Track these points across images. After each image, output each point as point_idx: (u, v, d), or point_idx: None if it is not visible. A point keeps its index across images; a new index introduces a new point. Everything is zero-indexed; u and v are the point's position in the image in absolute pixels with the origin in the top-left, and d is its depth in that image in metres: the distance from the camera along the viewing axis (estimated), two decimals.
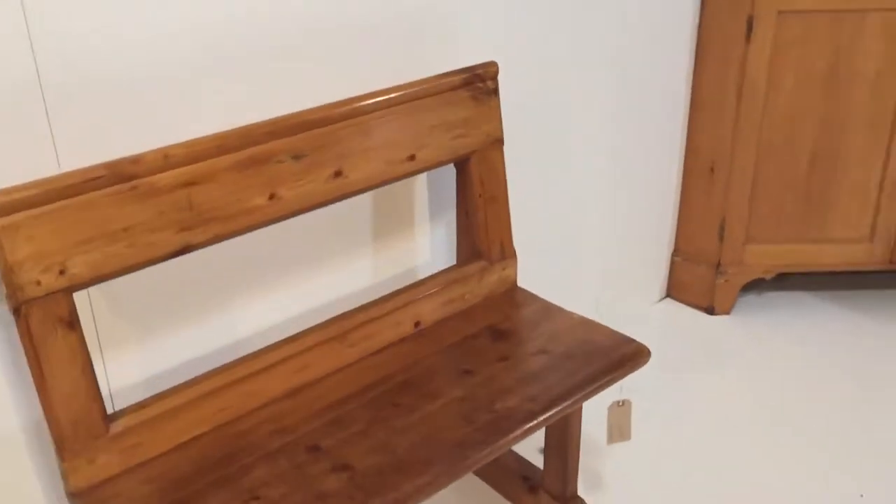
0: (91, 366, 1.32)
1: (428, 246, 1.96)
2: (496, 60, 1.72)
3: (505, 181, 1.77)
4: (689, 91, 2.50)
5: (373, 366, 1.62)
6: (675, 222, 2.68)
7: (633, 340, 1.66)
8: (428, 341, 1.68)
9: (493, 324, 1.73)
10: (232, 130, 1.40)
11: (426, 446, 1.41)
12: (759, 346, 2.52)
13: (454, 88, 1.65)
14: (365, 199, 1.79)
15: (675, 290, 2.74)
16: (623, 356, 1.61)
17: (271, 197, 1.45)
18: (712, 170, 2.53)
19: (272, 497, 1.32)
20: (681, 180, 2.62)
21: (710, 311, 2.67)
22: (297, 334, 1.57)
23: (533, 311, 1.77)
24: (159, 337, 1.58)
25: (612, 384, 1.57)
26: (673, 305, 2.72)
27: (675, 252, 2.71)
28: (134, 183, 1.31)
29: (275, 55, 1.54)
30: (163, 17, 1.40)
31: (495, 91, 1.71)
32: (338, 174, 1.53)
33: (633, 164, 2.44)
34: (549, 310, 1.78)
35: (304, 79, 1.60)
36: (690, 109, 2.52)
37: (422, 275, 1.97)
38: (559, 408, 1.49)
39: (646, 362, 1.62)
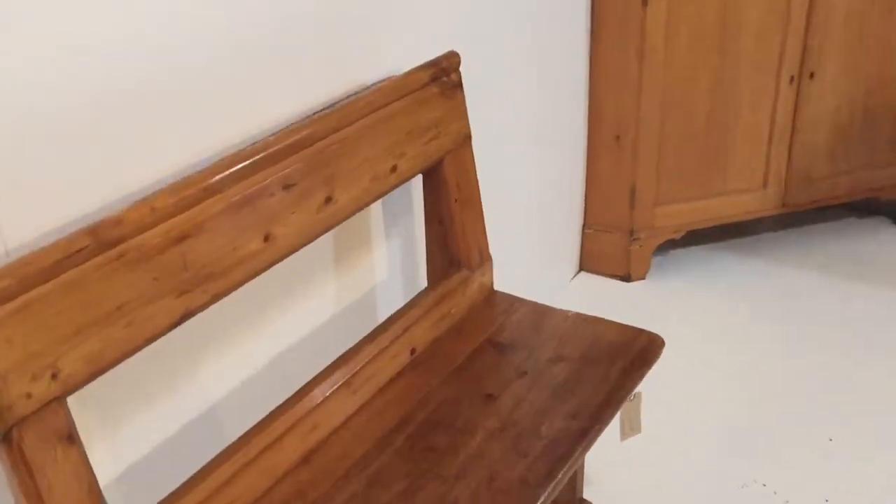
0: (96, 481, 1.06)
1: (386, 263, 1.78)
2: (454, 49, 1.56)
3: (477, 180, 1.63)
4: (589, 62, 2.44)
5: (384, 408, 1.44)
6: (584, 194, 2.64)
7: (643, 331, 1.58)
8: (431, 369, 1.52)
9: (490, 336, 1.60)
10: (215, 165, 1.16)
11: (490, 492, 1.26)
12: (681, 305, 2.55)
13: (424, 85, 1.48)
14: None
15: (590, 262, 2.71)
16: (643, 349, 1.53)
17: (266, 238, 1.23)
18: (618, 137, 2.51)
19: None
20: (586, 152, 2.58)
21: (627, 278, 2.66)
22: (300, 392, 1.36)
23: (524, 316, 1.65)
24: (127, 423, 1.32)
25: (641, 381, 1.49)
26: (589, 278, 2.70)
27: (587, 224, 2.67)
28: (121, 248, 1.05)
29: (206, 80, 1.30)
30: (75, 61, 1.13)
31: (460, 84, 1.56)
32: (328, 200, 1.32)
33: (541, 141, 2.36)
34: (540, 311, 1.66)
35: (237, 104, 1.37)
36: (591, 80, 2.47)
37: (383, 294, 1.78)
38: (606, 419, 1.39)
39: (662, 350, 1.55)
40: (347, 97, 1.54)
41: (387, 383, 1.48)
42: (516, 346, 1.56)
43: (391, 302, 1.78)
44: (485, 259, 1.68)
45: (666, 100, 2.44)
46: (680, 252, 2.79)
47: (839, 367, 2.26)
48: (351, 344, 1.48)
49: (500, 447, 1.34)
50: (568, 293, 2.62)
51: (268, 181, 1.22)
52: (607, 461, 1.94)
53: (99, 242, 1.02)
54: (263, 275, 1.38)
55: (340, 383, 1.39)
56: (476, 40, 1.90)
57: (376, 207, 1.71)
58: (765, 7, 2.39)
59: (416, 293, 1.76)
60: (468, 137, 1.59)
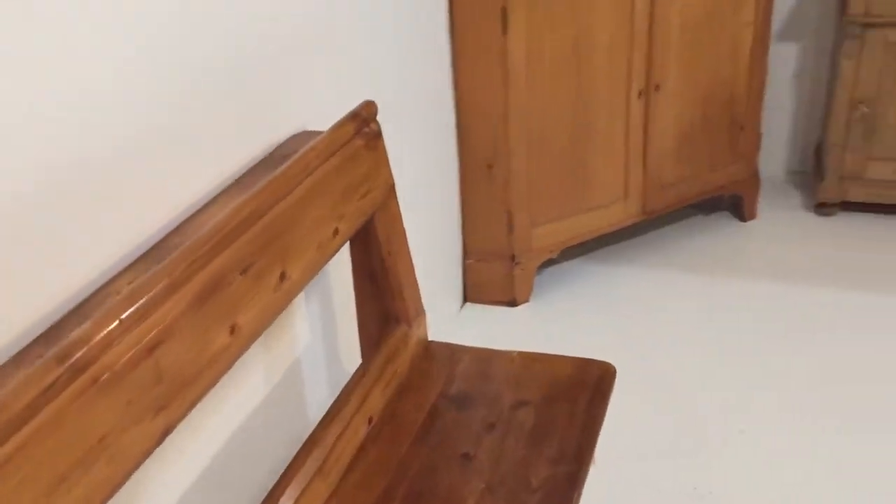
0: None
1: (307, 328, 1.67)
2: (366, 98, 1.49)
3: (404, 230, 1.56)
4: (454, 93, 2.43)
5: (360, 487, 1.33)
6: (461, 225, 2.62)
7: (592, 360, 1.57)
8: (393, 437, 1.43)
9: (442, 391, 1.53)
10: (174, 259, 1.03)
11: None
12: (568, 320, 2.59)
13: (350, 139, 1.40)
14: None
15: (474, 292, 2.69)
16: (598, 380, 1.52)
17: (232, 330, 1.10)
18: (490, 166, 2.51)
19: None
20: (459, 183, 2.56)
21: (513, 303, 2.67)
22: (276, 490, 1.23)
23: (469, 364, 1.59)
24: None
25: (605, 412, 1.47)
26: (476, 308, 2.68)
27: (467, 255, 2.65)
28: (93, 371, 0.90)
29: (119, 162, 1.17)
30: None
31: (380, 133, 1.49)
32: (283, 277, 1.21)
33: (416, 178, 2.32)
34: (483, 357, 1.61)
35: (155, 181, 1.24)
36: (460, 111, 2.46)
37: (308, 360, 1.67)
38: (588, 458, 1.36)
39: (615, 378, 1.55)
40: (262, 159, 1.44)
41: (352, 460, 1.38)
42: (473, 397, 1.51)
43: (318, 372, 1.67)
44: (420, 311, 1.61)
45: (532, 124, 2.47)
46: (556, 269, 2.84)
47: (716, 358, 2.38)
48: (284, 426, 1.37)
49: (504, 496, 1.28)
50: (457, 326, 2.59)
51: (225, 267, 1.09)
52: None
53: (71, 369, 0.87)
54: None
55: (314, 471, 1.28)
56: (355, 81, 1.83)
57: None
58: (613, 27, 2.48)
59: (342, 358, 1.66)
60: (393, 187, 1.52)
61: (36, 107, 0.99)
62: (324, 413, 1.38)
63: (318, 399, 1.67)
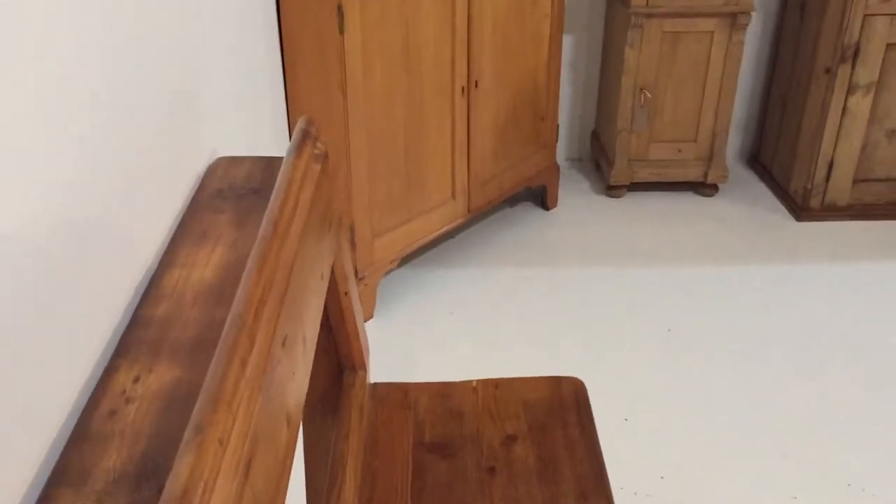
0: None
1: None
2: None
3: (352, 275, 1.36)
4: (286, 102, 2.20)
5: None
6: None
7: (560, 378, 1.48)
8: (382, 500, 1.24)
9: (417, 440, 1.35)
10: (233, 328, 0.78)
11: None
12: (416, 330, 2.48)
13: (310, 166, 1.17)
14: None
15: None
16: (576, 398, 1.43)
17: (288, 423, 0.86)
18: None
19: None
20: None
21: None
22: None
23: (429, 401, 1.43)
24: None
25: (596, 430, 1.39)
26: None
27: None
28: None
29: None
30: None
31: (327, 154, 1.27)
32: (304, 340, 0.97)
33: None
34: (439, 391, 1.46)
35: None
36: (292, 122, 2.23)
37: None
38: (607, 483, 1.27)
39: (587, 390, 1.47)
40: (195, 196, 1.17)
41: None
42: (454, 442, 1.35)
43: None
44: (367, 351, 1.41)
45: (370, 130, 2.31)
46: (390, 279, 2.70)
47: (548, 343, 2.41)
48: None
49: None
50: None
51: (272, 345, 0.85)
52: None
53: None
54: None
55: None
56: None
57: None
58: (437, 24, 2.38)
59: None
60: (340, 217, 1.31)
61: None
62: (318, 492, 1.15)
63: None
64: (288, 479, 0.83)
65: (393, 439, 1.35)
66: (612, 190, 3.25)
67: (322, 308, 1.09)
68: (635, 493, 1.92)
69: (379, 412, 1.40)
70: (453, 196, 2.67)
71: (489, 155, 2.75)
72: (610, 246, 2.93)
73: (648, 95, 3.05)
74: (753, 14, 3.03)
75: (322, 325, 1.30)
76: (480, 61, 2.58)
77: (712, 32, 2.98)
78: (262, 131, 2.04)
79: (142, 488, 0.71)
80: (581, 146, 3.54)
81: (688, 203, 3.22)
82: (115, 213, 0.94)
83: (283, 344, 0.89)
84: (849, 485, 1.93)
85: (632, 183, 3.23)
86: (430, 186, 2.57)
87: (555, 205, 3.17)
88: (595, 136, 3.45)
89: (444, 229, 2.68)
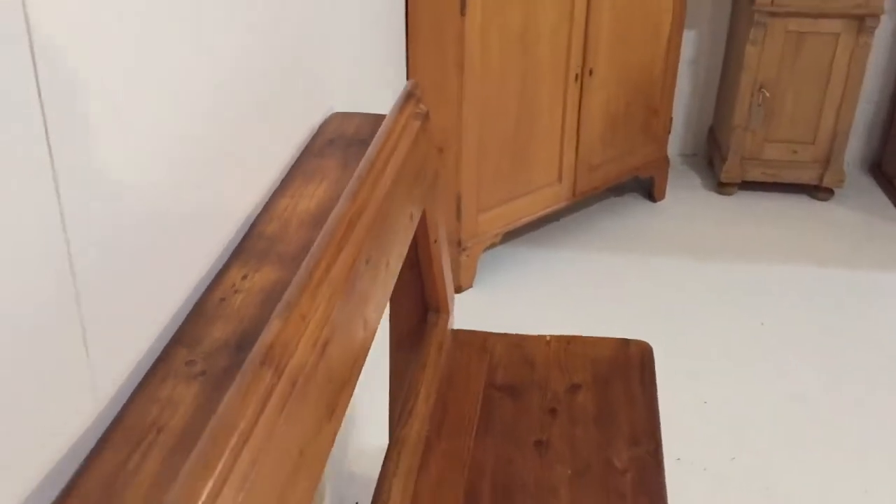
0: None
1: None
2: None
3: (442, 225, 1.50)
4: (407, 76, 2.37)
5: (441, 485, 1.28)
6: None
7: (628, 340, 1.58)
8: (454, 431, 1.38)
9: (489, 381, 1.49)
10: (317, 256, 0.93)
11: None
12: (512, 302, 2.60)
13: (410, 121, 1.33)
14: None
15: None
16: (641, 359, 1.54)
17: (364, 325, 1.02)
18: (441, 150, 2.47)
19: None
20: None
21: (458, 289, 2.64)
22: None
23: (505, 350, 1.56)
24: None
25: (657, 390, 1.49)
26: None
27: None
28: (291, 374, 0.80)
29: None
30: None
31: (428, 115, 1.42)
32: (387, 265, 1.13)
33: None
34: (515, 342, 1.59)
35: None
36: None
37: None
38: (660, 435, 1.37)
39: (653, 354, 1.57)
40: (307, 145, 1.34)
41: (424, 455, 1.32)
42: (523, 385, 1.48)
43: None
44: (451, 299, 1.56)
45: (483, 109, 2.45)
46: (490, 254, 2.84)
47: (650, 319, 2.48)
48: None
49: (592, 494, 1.26)
50: None
51: (357, 258, 1.01)
52: None
53: (277, 371, 0.77)
54: None
55: (391, 473, 1.21)
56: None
57: None
58: (556, 12, 2.50)
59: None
60: (439, 172, 1.46)
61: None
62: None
63: None
64: (359, 371, 0.98)
65: (468, 377, 1.49)
66: (722, 187, 3.27)
67: (408, 245, 1.24)
68: (704, 469, 1.99)
69: (458, 354, 1.54)
70: (559, 179, 2.78)
71: (598, 142, 2.84)
72: (713, 240, 2.97)
73: (767, 94, 3.06)
74: (883, 17, 2.99)
75: (411, 268, 1.46)
76: (596, 51, 2.67)
77: (838, 34, 2.96)
78: (383, 98, 2.22)
79: (239, 354, 0.87)
80: (696, 142, 3.57)
81: (800, 206, 3.21)
82: (243, 146, 1.12)
83: (367, 262, 1.04)
84: None
85: (744, 182, 3.25)
86: (536, 167, 2.69)
87: (662, 197, 3.23)
88: (711, 132, 3.47)
89: (547, 210, 2.80)
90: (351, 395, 0.95)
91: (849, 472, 2.00)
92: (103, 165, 0.78)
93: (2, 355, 0.66)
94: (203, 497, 0.63)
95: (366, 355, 1.01)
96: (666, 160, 3.18)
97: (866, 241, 2.97)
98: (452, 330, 1.59)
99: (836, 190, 3.24)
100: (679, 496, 1.82)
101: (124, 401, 0.82)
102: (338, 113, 1.46)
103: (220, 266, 1.01)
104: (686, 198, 3.26)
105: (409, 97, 1.34)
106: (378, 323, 1.08)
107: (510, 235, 2.88)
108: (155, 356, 0.88)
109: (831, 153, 3.14)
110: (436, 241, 1.45)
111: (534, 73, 2.53)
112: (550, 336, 1.60)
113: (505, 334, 1.60)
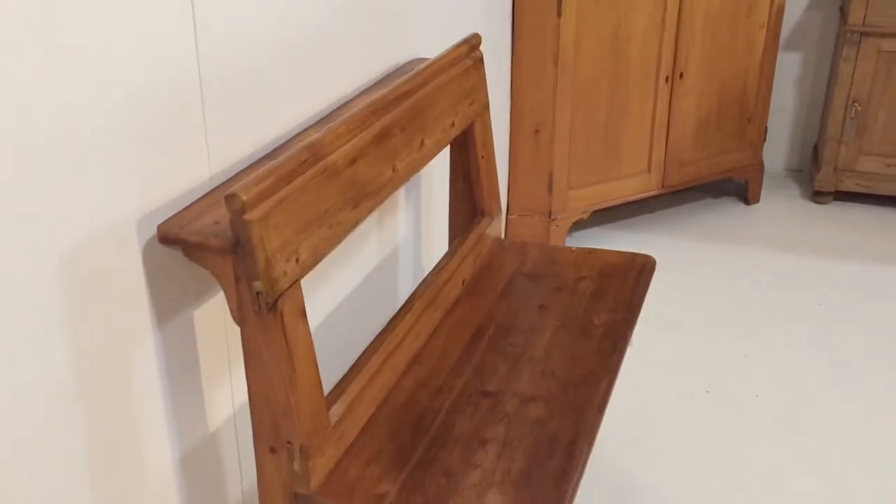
0: (314, 348, 1.28)
1: (403, 224, 2.06)
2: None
3: (493, 141, 1.96)
4: (511, 66, 2.85)
5: (460, 321, 1.72)
6: (507, 183, 3.02)
7: (637, 254, 1.97)
8: (481, 293, 1.82)
9: (517, 269, 1.92)
10: (365, 108, 1.43)
11: (576, 362, 1.58)
12: None
13: (464, 58, 1.81)
14: None
15: None
16: (642, 266, 1.92)
17: (393, 169, 1.50)
18: (538, 131, 2.92)
19: (499, 435, 1.40)
20: (508, 145, 2.97)
21: None
22: (405, 307, 1.62)
23: (538, 253, 1.99)
24: None
25: (648, 288, 1.86)
26: None
27: (510, 210, 3.05)
28: (324, 163, 1.29)
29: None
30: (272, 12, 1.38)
31: (482, 60, 1.89)
32: (422, 143, 1.61)
33: None
34: (548, 250, 2.01)
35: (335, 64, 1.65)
36: (514, 82, 2.88)
37: (404, 248, 2.07)
38: (638, 309, 1.75)
39: (655, 267, 1.94)
40: (389, 74, 1.84)
41: (454, 304, 1.77)
42: (543, 273, 1.90)
43: (415, 251, 2.07)
44: (499, 210, 2.01)
45: (575, 99, 2.88)
46: (584, 233, 3.24)
47: (732, 304, 2.78)
48: (396, 280, 1.76)
49: (569, 336, 1.67)
50: None
51: (393, 123, 1.49)
52: None
53: (314, 156, 1.26)
54: None
55: (429, 302, 1.66)
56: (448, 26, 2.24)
57: None
58: (648, 18, 2.91)
59: (431, 243, 2.05)
60: (488, 106, 1.92)
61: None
62: (424, 276, 1.76)
63: (406, 279, 2.07)
64: (384, 196, 1.46)
65: (502, 265, 1.93)
66: (817, 196, 3.51)
67: (444, 146, 1.71)
68: (727, 399, 2.30)
69: (500, 251, 1.98)
70: (648, 170, 3.16)
71: (689, 140, 3.19)
72: (798, 239, 3.21)
73: (859, 108, 3.30)
74: None
75: (464, 180, 1.92)
76: (687, 56, 3.05)
77: None
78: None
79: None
80: (802, 158, 3.81)
81: (893, 217, 3.39)
82: (342, 54, 1.63)
83: (402, 131, 1.52)
84: None
85: (840, 192, 3.47)
86: (626, 157, 3.08)
87: (756, 201, 3.51)
88: (815, 149, 3.71)
89: (636, 196, 3.17)
90: (374, 209, 1.42)
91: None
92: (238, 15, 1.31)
93: (144, 110, 1.18)
94: (252, 193, 1.12)
95: (390, 189, 1.49)
96: (761, 165, 3.47)
97: None
98: (500, 238, 2.03)
99: None
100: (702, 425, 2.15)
101: (231, 174, 1.34)
102: (418, 57, 1.95)
103: (305, 126, 1.52)
104: (781, 204, 3.52)
105: (464, 42, 1.82)
106: (406, 177, 1.55)
107: (603, 219, 3.27)
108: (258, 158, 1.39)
109: None
110: (483, 157, 1.91)
111: (624, 72, 2.94)
112: (577, 248, 2.00)
113: (541, 244, 2.03)
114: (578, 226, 3.19)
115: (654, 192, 3.21)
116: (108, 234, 1.13)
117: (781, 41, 3.56)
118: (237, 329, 1.29)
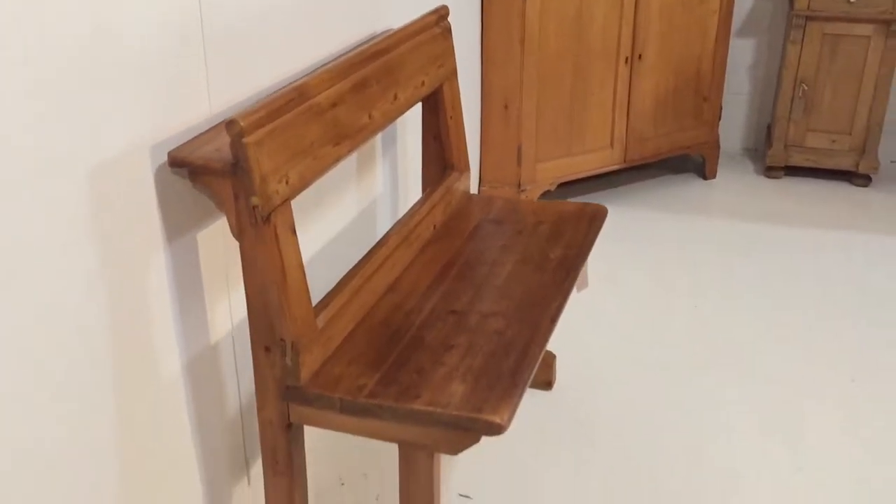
0: (302, 262, 1.49)
1: (381, 178, 2.28)
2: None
3: (461, 105, 2.18)
4: (481, 46, 3.08)
5: (431, 258, 1.94)
6: (479, 156, 3.25)
7: (589, 203, 2.19)
8: (451, 236, 2.04)
9: (483, 217, 2.14)
10: (344, 61, 1.65)
11: (532, 288, 1.80)
12: None
13: (433, 27, 2.03)
14: None
15: None
16: (594, 213, 2.14)
17: (370, 117, 1.72)
18: (506, 107, 3.15)
19: (463, 342, 1.62)
20: (479, 120, 3.20)
21: None
22: (381, 242, 1.84)
23: (503, 204, 2.21)
24: None
25: (599, 232, 2.09)
26: None
27: (482, 182, 3.28)
28: (309, 104, 1.51)
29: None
30: None
31: (450, 30, 2.12)
32: (395, 97, 1.83)
33: None
34: (512, 201, 2.23)
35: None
36: (483, 60, 3.10)
37: (381, 200, 2.29)
38: (589, 248, 1.98)
39: (605, 216, 2.16)
40: (365, 41, 2.06)
41: (425, 245, 1.99)
42: (506, 220, 2.12)
43: (392, 202, 2.30)
44: (466, 166, 2.23)
45: (541, 77, 3.11)
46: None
47: (687, 265, 3.01)
48: (374, 228, 1.97)
49: (527, 268, 1.89)
50: None
51: (370, 75, 1.71)
52: None
53: (301, 96, 1.48)
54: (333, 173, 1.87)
55: (402, 238, 1.88)
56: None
57: (378, 139, 2.21)
58: (607, 3, 3.14)
59: (407, 195, 2.27)
60: (456, 71, 2.15)
61: None
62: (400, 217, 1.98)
63: (384, 227, 2.28)
64: (360, 140, 1.67)
65: (470, 213, 2.15)
66: (769, 171, 3.76)
67: (415, 102, 1.93)
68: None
69: (468, 203, 2.20)
70: (611, 145, 3.39)
71: (649, 118, 3.43)
72: (751, 209, 3.46)
73: (806, 88, 3.55)
74: None
75: (435, 137, 2.14)
76: (645, 39, 3.28)
77: (869, 37, 3.43)
78: (461, 61, 2.93)
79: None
80: (757, 138, 4.06)
81: (839, 190, 3.65)
82: (323, 22, 1.84)
83: (377, 83, 1.74)
84: None
85: (790, 167, 3.72)
86: (589, 132, 3.31)
87: (713, 176, 3.75)
88: (769, 129, 3.96)
89: (600, 170, 3.40)
90: (353, 149, 1.64)
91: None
92: None
93: (145, 46, 1.39)
94: (249, 121, 1.34)
95: (367, 134, 1.70)
96: (716, 143, 3.71)
97: (887, 220, 3.38)
98: (469, 192, 2.25)
99: (872, 177, 3.65)
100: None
101: (229, 114, 1.55)
102: (390, 29, 2.17)
103: (293, 80, 1.73)
104: (736, 179, 3.77)
105: (435, 12, 2.04)
106: (382, 125, 1.76)
107: (570, 192, 3.50)
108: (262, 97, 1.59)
109: (866, 143, 3.57)
110: (451, 118, 2.13)
111: (586, 53, 3.17)
112: (538, 200, 2.23)
113: (506, 197, 2.25)
114: (546, 197, 3.41)
115: (616, 166, 3.44)
116: (126, 159, 1.34)
117: (737, 29, 3.82)
118: (235, 253, 1.51)
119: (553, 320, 1.70)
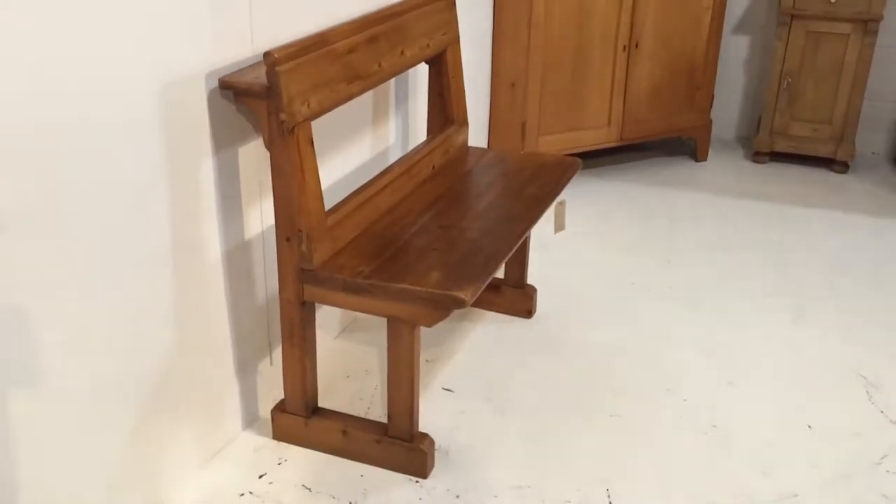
0: (318, 174, 1.91)
1: (394, 130, 2.70)
2: None
3: (462, 66, 2.59)
4: (492, 28, 3.48)
5: (427, 190, 2.35)
6: (487, 129, 3.65)
7: (566, 156, 2.58)
8: (447, 176, 2.45)
9: (477, 163, 2.54)
10: (360, 19, 2.06)
11: (507, 213, 2.20)
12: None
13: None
14: (367, 98, 2.49)
15: None
16: (570, 164, 2.54)
17: (379, 65, 2.13)
18: (513, 85, 3.54)
19: (443, 247, 2.02)
20: (489, 96, 3.60)
21: None
22: (387, 170, 2.25)
23: (494, 154, 2.61)
24: None
25: (571, 178, 2.48)
26: None
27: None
28: (329, 48, 1.92)
29: None
30: None
31: (455, 4, 2.52)
32: (402, 53, 2.24)
33: None
34: (503, 152, 2.63)
35: None
36: (494, 42, 3.51)
37: (394, 150, 2.70)
38: (560, 190, 2.37)
39: (579, 167, 2.55)
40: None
41: (424, 181, 2.39)
42: (495, 166, 2.52)
43: (402, 151, 2.71)
44: (465, 121, 2.63)
45: (546, 59, 3.51)
46: None
47: (672, 230, 3.39)
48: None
49: (506, 200, 2.29)
50: None
51: (381, 31, 2.12)
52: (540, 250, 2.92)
53: (323, 41, 1.90)
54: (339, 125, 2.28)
55: (404, 170, 2.29)
56: None
57: (390, 90, 2.63)
58: None
59: (415, 145, 2.68)
60: (458, 39, 2.55)
61: None
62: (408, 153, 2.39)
63: None
64: (371, 84, 2.08)
65: (465, 161, 2.55)
66: (756, 156, 4.11)
67: (419, 60, 2.33)
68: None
69: (464, 153, 2.61)
70: (609, 124, 3.77)
71: (644, 101, 3.80)
72: (735, 189, 3.82)
73: (790, 80, 3.90)
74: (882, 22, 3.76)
75: (439, 95, 2.55)
76: (642, 29, 3.66)
77: (848, 35, 3.78)
78: (474, 43, 3.33)
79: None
80: (750, 127, 4.42)
81: (819, 175, 3.99)
82: None
83: (386, 40, 2.15)
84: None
85: (776, 153, 4.07)
86: (589, 111, 3.69)
87: (705, 159, 4.11)
88: (760, 118, 4.31)
89: (599, 146, 3.78)
90: (363, 90, 2.05)
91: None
92: None
93: None
94: (281, 54, 1.75)
95: (377, 80, 2.11)
96: (708, 127, 4.07)
97: (858, 201, 3.72)
98: (467, 145, 2.66)
99: (850, 165, 3.98)
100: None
101: None
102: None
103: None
104: (725, 162, 4.13)
105: None
106: (390, 74, 2.17)
107: None
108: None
109: (844, 132, 3.91)
110: (453, 78, 2.54)
111: (588, 39, 3.56)
112: (525, 152, 2.63)
113: (497, 150, 2.65)
114: None
115: (613, 144, 3.82)
116: (187, 82, 1.77)
117: (733, 27, 4.18)
118: (266, 170, 1.93)
119: (519, 236, 2.09)
